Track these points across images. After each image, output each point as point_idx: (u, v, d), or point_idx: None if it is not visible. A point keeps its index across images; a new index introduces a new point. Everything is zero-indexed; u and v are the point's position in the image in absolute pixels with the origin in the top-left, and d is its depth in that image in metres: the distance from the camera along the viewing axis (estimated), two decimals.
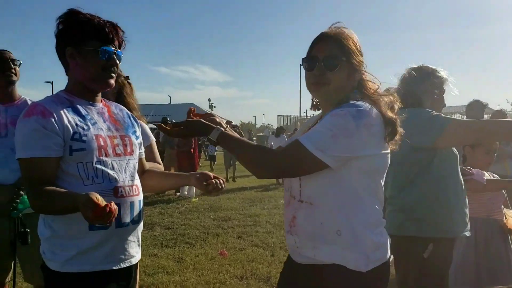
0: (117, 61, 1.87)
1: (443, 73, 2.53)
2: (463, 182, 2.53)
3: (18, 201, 2.78)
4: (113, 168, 1.84)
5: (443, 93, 2.56)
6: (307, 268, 1.72)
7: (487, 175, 3.23)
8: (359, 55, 1.70)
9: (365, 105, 1.60)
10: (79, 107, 1.86)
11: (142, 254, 3.71)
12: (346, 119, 1.54)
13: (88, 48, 1.80)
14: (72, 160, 1.76)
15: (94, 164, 1.79)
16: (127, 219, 1.85)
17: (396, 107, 1.70)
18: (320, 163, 1.55)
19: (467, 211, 2.47)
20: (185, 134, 1.80)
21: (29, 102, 3.04)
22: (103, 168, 1.81)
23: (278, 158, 1.63)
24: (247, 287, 4.45)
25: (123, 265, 1.86)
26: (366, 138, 1.57)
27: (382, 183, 1.71)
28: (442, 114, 2.39)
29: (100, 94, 1.96)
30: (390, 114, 1.65)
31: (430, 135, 2.32)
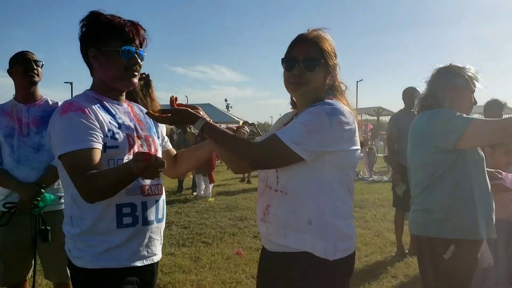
0: (139, 60, 1.88)
1: (470, 72, 2.47)
2: (490, 185, 2.49)
3: (39, 199, 2.83)
4: None
5: (472, 92, 2.48)
6: (278, 256, 1.81)
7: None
8: (334, 58, 1.83)
9: (339, 103, 1.73)
10: (108, 106, 1.89)
11: None
12: (321, 116, 1.65)
13: (110, 48, 1.82)
14: (103, 157, 1.76)
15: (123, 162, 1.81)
16: (152, 217, 1.88)
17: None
18: (295, 156, 1.65)
19: (493, 215, 2.43)
20: (172, 122, 1.81)
21: (50, 102, 3.10)
22: None
23: (257, 150, 1.72)
24: None
25: (146, 263, 1.88)
26: (339, 134, 1.67)
27: (353, 177, 1.83)
28: (464, 115, 2.34)
29: (124, 94, 1.98)
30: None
31: (450, 138, 2.31)
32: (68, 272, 2.98)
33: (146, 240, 1.87)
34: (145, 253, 1.87)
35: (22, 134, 2.97)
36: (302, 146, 1.64)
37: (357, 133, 1.76)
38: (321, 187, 1.71)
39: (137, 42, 1.87)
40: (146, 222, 1.85)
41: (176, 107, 1.84)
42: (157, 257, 1.96)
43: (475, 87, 2.48)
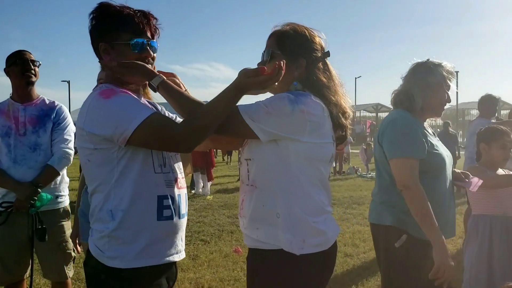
0: (151, 52, 1.80)
1: (445, 69, 2.45)
2: (452, 186, 2.50)
3: (36, 198, 2.84)
4: (173, 159, 1.85)
5: (446, 89, 2.46)
6: (252, 252, 1.84)
7: (502, 172, 3.19)
8: (299, 47, 1.82)
9: (306, 95, 1.73)
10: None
11: None
12: (283, 102, 1.67)
13: (120, 42, 1.74)
14: (143, 151, 1.71)
15: (163, 153, 1.78)
16: (184, 210, 1.85)
17: (348, 114, 1.87)
18: (248, 131, 1.68)
19: (452, 216, 2.43)
20: (128, 73, 1.76)
21: (47, 102, 3.10)
22: (168, 158, 1.81)
23: (212, 113, 1.66)
24: None
25: (182, 256, 1.86)
26: (300, 123, 1.67)
27: (327, 172, 1.83)
28: (410, 142, 2.33)
29: (139, 88, 1.88)
30: (342, 120, 1.83)
31: (388, 153, 2.38)
32: (67, 271, 3.03)
33: (181, 234, 1.83)
34: (180, 247, 1.84)
35: (18, 134, 2.96)
36: (258, 124, 1.67)
37: (326, 127, 1.76)
38: (290, 181, 1.71)
39: (149, 33, 1.79)
40: (181, 215, 1.82)
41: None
42: (184, 252, 1.91)
43: (450, 85, 2.48)
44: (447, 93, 2.47)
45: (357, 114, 44.23)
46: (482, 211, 3.13)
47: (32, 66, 3.01)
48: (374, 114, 43.62)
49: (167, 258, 1.77)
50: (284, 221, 1.71)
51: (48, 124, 3.03)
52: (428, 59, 2.50)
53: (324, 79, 1.84)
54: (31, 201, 2.82)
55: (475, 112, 44.57)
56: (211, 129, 1.66)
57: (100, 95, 1.69)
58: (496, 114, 6.01)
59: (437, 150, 2.39)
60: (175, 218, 1.78)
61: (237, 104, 1.70)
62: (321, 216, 1.78)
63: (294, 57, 1.81)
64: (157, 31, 1.84)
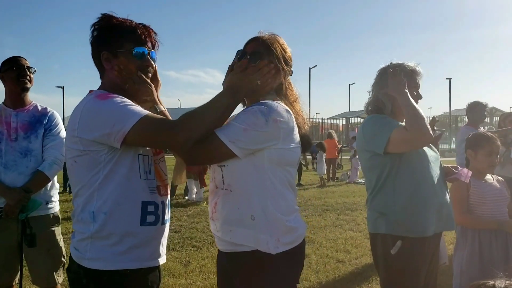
0: (152, 62, 1.89)
1: (408, 67, 2.49)
2: (442, 182, 2.52)
3: (26, 203, 2.83)
4: (158, 167, 1.90)
5: (413, 87, 2.49)
6: (228, 256, 1.88)
7: (490, 177, 3.21)
8: (283, 62, 1.91)
9: (275, 103, 1.81)
10: None
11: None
12: (256, 115, 1.74)
13: (123, 50, 1.81)
14: (133, 149, 1.75)
15: (149, 160, 1.83)
16: (167, 216, 1.90)
17: (306, 126, 1.97)
18: (230, 153, 1.74)
19: (445, 210, 2.46)
20: (138, 87, 1.87)
21: (39, 108, 3.11)
22: (154, 165, 1.86)
23: (196, 146, 1.72)
24: None
25: (162, 262, 1.89)
26: (274, 131, 1.75)
27: (294, 173, 1.92)
28: (390, 121, 2.39)
29: (134, 96, 1.91)
30: (305, 129, 1.94)
31: (380, 143, 2.40)
32: (57, 277, 3.02)
33: (163, 240, 1.88)
34: (161, 252, 1.88)
35: (10, 139, 2.97)
36: (237, 144, 1.72)
37: (295, 132, 1.84)
38: (263, 184, 1.78)
39: (149, 44, 1.88)
40: (164, 222, 1.87)
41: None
42: (165, 256, 1.95)
43: (417, 82, 2.52)
44: (416, 90, 2.50)
45: (351, 120, 44.38)
46: None
47: (28, 72, 3.02)
48: None
49: (149, 262, 1.80)
50: (260, 222, 1.77)
51: (39, 130, 3.04)
52: (390, 63, 2.55)
53: (293, 93, 1.97)
54: (21, 207, 2.82)
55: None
56: (207, 128, 1.71)
57: (97, 98, 1.74)
58: (489, 120, 6.07)
59: None
60: (158, 224, 1.82)
61: (214, 131, 1.74)
62: (292, 214, 1.86)
63: (276, 68, 1.88)
64: (157, 44, 1.93)
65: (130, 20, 1.87)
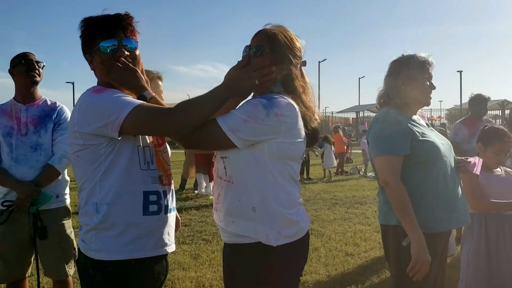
0: (124, 50, 1.83)
1: (420, 58, 2.48)
2: (456, 175, 2.51)
3: (36, 197, 2.87)
4: (160, 157, 1.92)
5: (425, 78, 2.47)
6: (231, 247, 1.90)
7: (498, 169, 3.19)
8: (287, 51, 1.88)
9: (279, 97, 1.80)
10: None
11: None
12: (258, 108, 1.74)
13: (95, 48, 1.82)
14: (132, 141, 1.79)
15: (150, 151, 1.86)
16: (171, 205, 1.91)
17: (318, 120, 1.97)
18: (229, 142, 1.75)
19: (459, 204, 2.44)
20: (120, 80, 1.84)
21: (49, 103, 3.15)
22: (155, 155, 1.89)
23: (195, 132, 1.74)
24: None
25: (169, 251, 1.90)
26: (275, 125, 1.75)
27: (298, 169, 1.91)
28: (390, 140, 2.38)
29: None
30: (313, 124, 1.92)
31: (371, 152, 2.49)
32: (68, 269, 3.06)
33: (167, 228, 1.89)
34: (167, 241, 1.89)
35: (20, 133, 3.01)
36: (237, 134, 1.73)
37: (299, 126, 1.83)
38: (264, 177, 1.78)
39: (121, 33, 1.83)
40: (168, 211, 1.88)
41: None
42: (174, 246, 1.96)
43: (430, 72, 2.50)
44: (428, 81, 2.49)
45: (361, 114, 44.20)
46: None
47: (37, 67, 3.06)
48: None
49: (154, 252, 1.82)
50: (261, 215, 1.78)
51: (49, 125, 3.07)
52: (402, 54, 2.54)
53: (302, 85, 1.93)
54: (32, 200, 2.87)
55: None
56: (202, 116, 1.72)
57: (93, 92, 1.79)
58: (500, 113, 6.01)
59: (428, 138, 2.42)
60: (161, 213, 1.84)
61: (215, 118, 1.76)
62: (294, 208, 1.86)
63: (280, 59, 1.87)
64: (131, 29, 1.87)
65: (101, 16, 1.84)
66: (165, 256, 1.92)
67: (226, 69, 1.87)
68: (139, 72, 1.87)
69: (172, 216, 1.94)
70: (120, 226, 1.76)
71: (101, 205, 1.77)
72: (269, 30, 1.91)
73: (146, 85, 1.88)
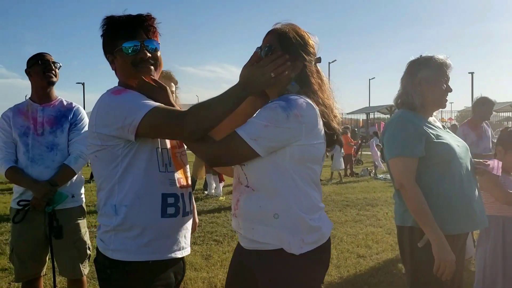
0: (147, 52, 1.84)
1: (438, 60, 2.46)
2: (473, 177, 2.48)
3: (52, 196, 2.90)
4: (179, 159, 1.92)
5: (443, 80, 2.46)
6: (251, 253, 1.84)
7: None
8: (299, 48, 1.83)
9: (297, 97, 1.74)
10: None
11: None
12: (276, 111, 1.68)
13: (117, 49, 1.83)
14: (150, 143, 1.79)
15: (168, 153, 1.86)
16: (188, 208, 1.91)
17: (338, 118, 1.91)
18: (252, 153, 1.69)
19: (476, 207, 2.41)
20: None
21: (65, 103, 3.18)
22: (175, 158, 1.89)
23: (215, 146, 1.72)
24: None
25: (185, 253, 1.91)
26: (296, 127, 1.69)
27: (319, 171, 1.86)
28: (405, 142, 2.37)
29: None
30: (333, 123, 1.84)
31: (385, 154, 2.46)
32: (82, 269, 3.08)
33: (184, 231, 1.89)
34: (184, 244, 1.89)
35: (36, 133, 3.03)
36: (259, 142, 1.68)
37: (319, 127, 1.77)
38: (286, 183, 1.74)
39: (142, 34, 1.84)
40: (185, 213, 1.88)
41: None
42: (189, 249, 1.96)
43: (447, 74, 2.48)
44: (445, 83, 2.47)
45: (371, 116, 43.96)
46: (493, 212, 3.10)
47: (53, 67, 3.09)
48: (388, 116, 43.33)
49: (171, 254, 1.83)
50: (283, 221, 1.74)
51: (65, 125, 3.10)
52: (420, 56, 2.52)
53: (318, 82, 1.87)
54: (48, 200, 2.89)
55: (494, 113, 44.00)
56: (216, 119, 1.71)
57: (112, 93, 1.80)
58: None
59: (443, 140, 2.40)
60: (179, 216, 1.84)
61: (235, 130, 1.72)
62: (316, 213, 1.81)
63: (293, 57, 1.81)
64: (153, 30, 1.87)
65: (124, 16, 1.85)
66: (181, 258, 1.92)
67: (234, 69, 1.89)
68: (168, 89, 1.88)
69: (189, 219, 1.94)
70: (139, 228, 1.77)
71: (120, 207, 1.78)
72: (279, 29, 1.87)
73: (174, 101, 1.88)
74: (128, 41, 1.81)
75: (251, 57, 1.79)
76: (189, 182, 1.97)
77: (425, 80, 2.45)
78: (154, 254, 1.78)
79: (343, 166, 14.58)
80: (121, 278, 1.78)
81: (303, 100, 1.74)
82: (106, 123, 1.74)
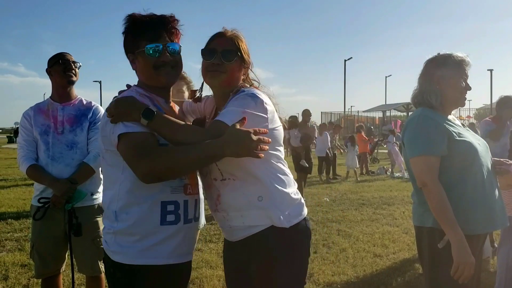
0: (169, 55, 1.86)
1: (456, 58, 2.43)
2: (493, 176, 2.44)
3: (72, 194, 2.94)
4: None
5: (461, 78, 2.43)
6: (241, 243, 1.94)
7: None
8: (248, 56, 2.00)
9: (255, 90, 1.93)
10: (159, 105, 1.89)
11: None
12: (247, 99, 1.83)
13: (140, 50, 1.85)
14: None
15: None
16: (191, 215, 1.91)
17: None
18: None
19: (497, 207, 2.38)
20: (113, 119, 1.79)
21: (84, 102, 3.22)
22: None
23: (199, 136, 1.76)
24: None
25: (186, 260, 1.91)
26: (264, 113, 1.84)
27: (283, 154, 2.00)
28: (428, 140, 2.33)
29: (168, 92, 1.98)
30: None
31: (407, 153, 2.42)
32: (101, 265, 3.12)
33: (185, 238, 1.89)
34: (184, 250, 1.89)
35: (57, 132, 3.08)
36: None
37: (276, 113, 1.93)
38: (262, 166, 1.85)
39: (166, 37, 1.85)
40: (187, 221, 1.88)
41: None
42: (191, 255, 1.97)
43: (466, 72, 2.44)
44: (464, 82, 2.44)
45: (387, 113, 43.64)
46: None
47: (73, 67, 3.13)
48: (405, 114, 42.94)
49: (170, 259, 1.83)
50: (268, 201, 1.86)
51: (85, 123, 3.14)
52: (438, 53, 2.49)
53: (256, 80, 2.07)
54: (67, 197, 2.93)
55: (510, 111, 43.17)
56: (183, 165, 1.71)
57: (118, 95, 1.85)
58: None
59: (464, 138, 2.37)
60: (180, 223, 1.84)
61: (216, 119, 1.81)
62: (293, 187, 1.97)
63: (246, 59, 1.98)
64: (177, 33, 1.90)
65: (148, 16, 1.86)
66: (185, 263, 1.92)
67: None
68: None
69: (193, 226, 1.93)
70: (139, 234, 1.79)
71: (120, 214, 1.81)
72: (234, 33, 1.98)
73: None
74: (151, 43, 1.82)
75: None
76: (198, 189, 1.97)
77: (443, 78, 2.42)
78: (153, 259, 1.80)
79: (357, 164, 14.52)
80: (124, 276, 1.83)
81: (261, 91, 1.94)
82: (103, 128, 1.82)
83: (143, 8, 1.89)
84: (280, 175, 1.91)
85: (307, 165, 10.03)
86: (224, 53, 1.91)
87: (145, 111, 1.72)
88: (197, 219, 1.96)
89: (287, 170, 1.98)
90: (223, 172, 1.88)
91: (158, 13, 1.89)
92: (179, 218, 1.84)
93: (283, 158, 1.97)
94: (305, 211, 1.99)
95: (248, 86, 1.99)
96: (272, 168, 1.89)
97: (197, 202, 1.95)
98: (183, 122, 1.84)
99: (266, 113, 1.84)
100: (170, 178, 1.77)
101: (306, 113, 11.22)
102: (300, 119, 11.63)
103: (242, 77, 2.01)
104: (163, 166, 1.67)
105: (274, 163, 1.91)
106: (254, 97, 1.84)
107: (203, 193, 2.17)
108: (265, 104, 1.85)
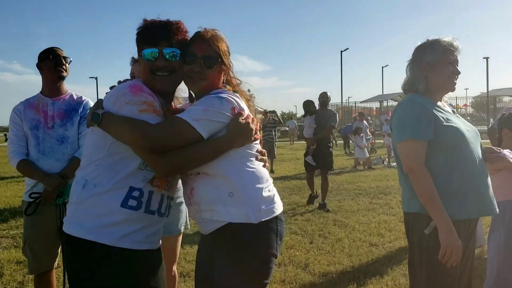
0: (164, 60, 1.90)
1: (443, 43, 2.42)
2: (483, 163, 2.43)
3: (63, 189, 2.94)
4: None
5: (449, 62, 2.40)
6: (210, 236, 1.97)
7: None
8: (228, 56, 2.04)
9: (225, 90, 1.97)
10: (160, 104, 1.92)
11: (183, 242, 3.81)
12: (211, 98, 1.89)
13: (141, 53, 1.93)
14: None
15: None
16: (155, 208, 1.91)
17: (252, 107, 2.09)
18: (195, 133, 1.82)
19: (486, 192, 2.38)
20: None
21: (75, 97, 3.21)
22: None
23: (155, 130, 1.79)
24: (285, 274, 4.49)
25: (142, 248, 1.87)
26: (226, 111, 1.87)
27: (257, 146, 2.03)
28: (414, 125, 2.33)
29: (168, 96, 2.00)
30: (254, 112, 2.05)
31: (394, 138, 2.44)
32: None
33: (144, 228, 1.88)
34: (141, 238, 1.87)
35: (47, 127, 3.07)
36: (201, 122, 1.82)
37: (246, 112, 1.97)
38: (235, 161, 1.91)
39: (164, 42, 1.90)
40: (148, 211, 1.88)
41: None
42: (153, 246, 1.95)
43: (454, 56, 2.43)
44: (453, 66, 2.42)
45: (384, 103, 43.63)
46: (506, 197, 3.06)
47: (64, 62, 3.12)
48: None
49: (121, 243, 1.81)
50: (239, 198, 1.88)
51: (75, 118, 3.13)
52: (427, 39, 2.48)
53: (238, 82, 2.11)
54: (59, 192, 2.93)
55: (507, 99, 43.25)
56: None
57: (129, 86, 1.86)
58: None
59: (452, 123, 2.36)
60: (140, 211, 1.85)
61: (175, 116, 1.85)
62: (266, 182, 1.98)
63: (227, 62, 2.02)
64: (177, 38, 1.93)
65: (153, 21, 1.93)
66: (140, 251, 1.87)
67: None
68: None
69: (156, 219, 1.93)
70: (96, 208, 1.81)
71: (89, 183, 1.84)
72: (215, 35, 1.99)
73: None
74: (149, 47, 1.90)
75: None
76: (166, 185, 1.96)
77: (429, 64, 2.41)
78: (103, 237, 1.79)
79: (367, 155, 14.52)
80: (72, 252, 1.85)
81: (230, 91, 1.97)
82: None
83: (142, 6, 1.96)
84: (253, 170, 1.94)
85: (314, 163, 8.12)
86: (204, 59, 1.93)
87: (93, 115, 1.83)
88: (161, 214, 1.95)
89: (260, 166, 2.00)
90: (197, 168, 1.92)
91: (171, 18, 1.96)
92: (140, 206, 1.85)
93: (256, 154, 1.99)
94: (278, 208, 1.99)
95: (226, 87, 2.02)
96: (244, 164, 1.93)
97: (163, 197, 1.95)
98: (140, 120, 1.81)
99: (229, 111, 1.88)
100: (183, 173, 1.95)
101: (324, 96, 8.48)
102: (296, 111, 11.51)
103: (222, 78, 2.05)
104: (178, 163, 1.83)
105: (244, 160, 1.94)
106: (219, 96, 1.90)
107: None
108: (231, 102, 1.89)
